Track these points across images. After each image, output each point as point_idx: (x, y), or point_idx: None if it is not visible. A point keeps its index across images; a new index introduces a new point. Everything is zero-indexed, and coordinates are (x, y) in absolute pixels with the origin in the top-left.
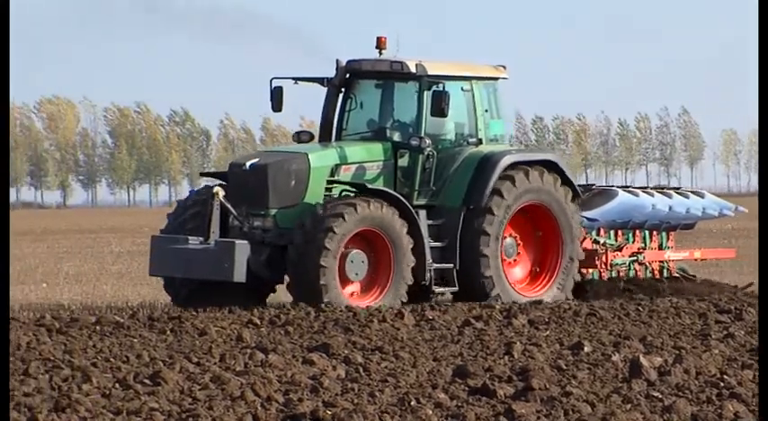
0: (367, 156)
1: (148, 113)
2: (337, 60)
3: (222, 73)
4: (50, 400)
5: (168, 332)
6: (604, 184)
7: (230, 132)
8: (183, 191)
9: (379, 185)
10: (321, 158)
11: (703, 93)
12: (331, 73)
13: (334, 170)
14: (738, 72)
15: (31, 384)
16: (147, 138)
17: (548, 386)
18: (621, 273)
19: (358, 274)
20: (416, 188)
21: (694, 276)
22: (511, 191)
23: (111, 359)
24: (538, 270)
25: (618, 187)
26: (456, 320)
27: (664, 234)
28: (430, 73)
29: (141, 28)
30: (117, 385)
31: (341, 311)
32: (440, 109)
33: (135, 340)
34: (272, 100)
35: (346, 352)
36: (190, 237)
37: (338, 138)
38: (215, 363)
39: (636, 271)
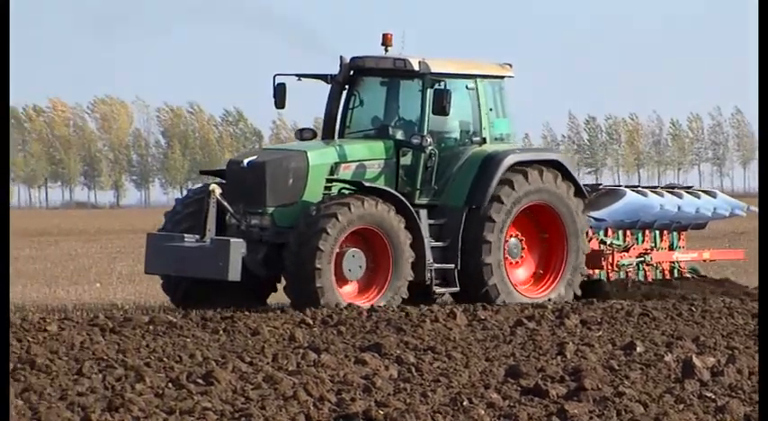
0: (368, 155)
1: (201, 113)
2: (341, 57)
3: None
4: (104, 400)
5: (221, 332)
6: (612, 184)
7: (282, 133)
8: None
9: (380, 184)
10: (320, 156)
11: (756, 92)
12: (335, 70)
13: (334, 168)
14: None
15: (85, 384)
16: (200, 138)
17: (600, 386)
18: (630, 274)
19: (355, 273)
20: (418, 187)
21: (705, 277)
22: (510, 195)
23: (165, 359)
24: (542, 272)
25: (626, 187)
26: (508, 320)
27: (675, 234)
28: (433, 70)
29: (193, 26)
30: (170, 385)
31: (393, 311)
32: (441, 107)
33: (188, 340)
34: (275, 97)
35: (398, 352)
36: (186, 235)
37: (341, 135)
38: (267, 363)
39: (645, 271)
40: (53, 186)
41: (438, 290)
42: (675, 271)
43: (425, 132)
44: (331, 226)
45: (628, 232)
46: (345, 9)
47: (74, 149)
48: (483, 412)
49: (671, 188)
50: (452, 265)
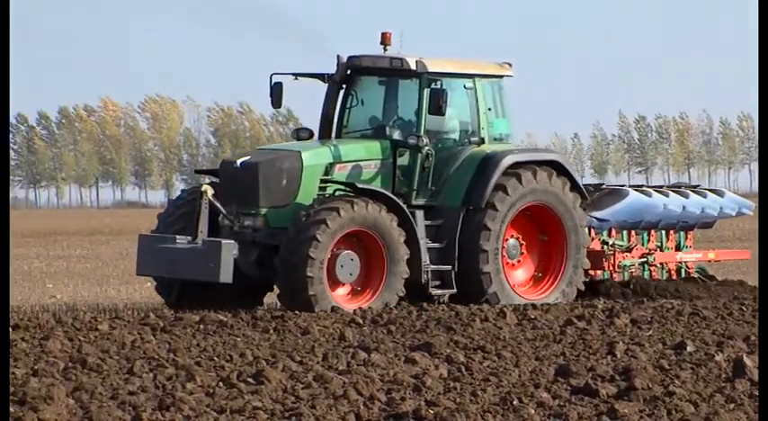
0: (365, 155)
1: (251, 113)
2: (338, 56)
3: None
4: (155, 399)
5: (271, 331)
6: (616, 184)
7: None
8: None
9: (376, 184)
10: (314, 157)
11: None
12: (332, 69)
13: (329, 169)
14: None
15: (136, 383)
16: (251, 137)
17: (650, 386)
18: (634, 275)
19: (350, 275)
20: (415, 188)
21: (713, 277)
22: (505, 200)
23: (215, 358)
24: (540, 275)
25: (630, 187)
26: (558, 320)
27: (681, 233)
28: (430, 70)
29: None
30: (220, 384)
31: (443, 310)
32: (437, 107)
33: (238, 339)
34: (271, 96)
35: (448, 351)
36: (177, 237)
37: (338, 135)
38: (318, 362)
39: (651, 272)
40: (104, 186)
41: (435, 292)
42: (683, 271)
43: (422, 132)
44: (321, 232)
45: (632, 232)
46: (345, 9)
47: (125, 149)
48: (533, 411)
49: (677, 187)
50: (449, 267)
